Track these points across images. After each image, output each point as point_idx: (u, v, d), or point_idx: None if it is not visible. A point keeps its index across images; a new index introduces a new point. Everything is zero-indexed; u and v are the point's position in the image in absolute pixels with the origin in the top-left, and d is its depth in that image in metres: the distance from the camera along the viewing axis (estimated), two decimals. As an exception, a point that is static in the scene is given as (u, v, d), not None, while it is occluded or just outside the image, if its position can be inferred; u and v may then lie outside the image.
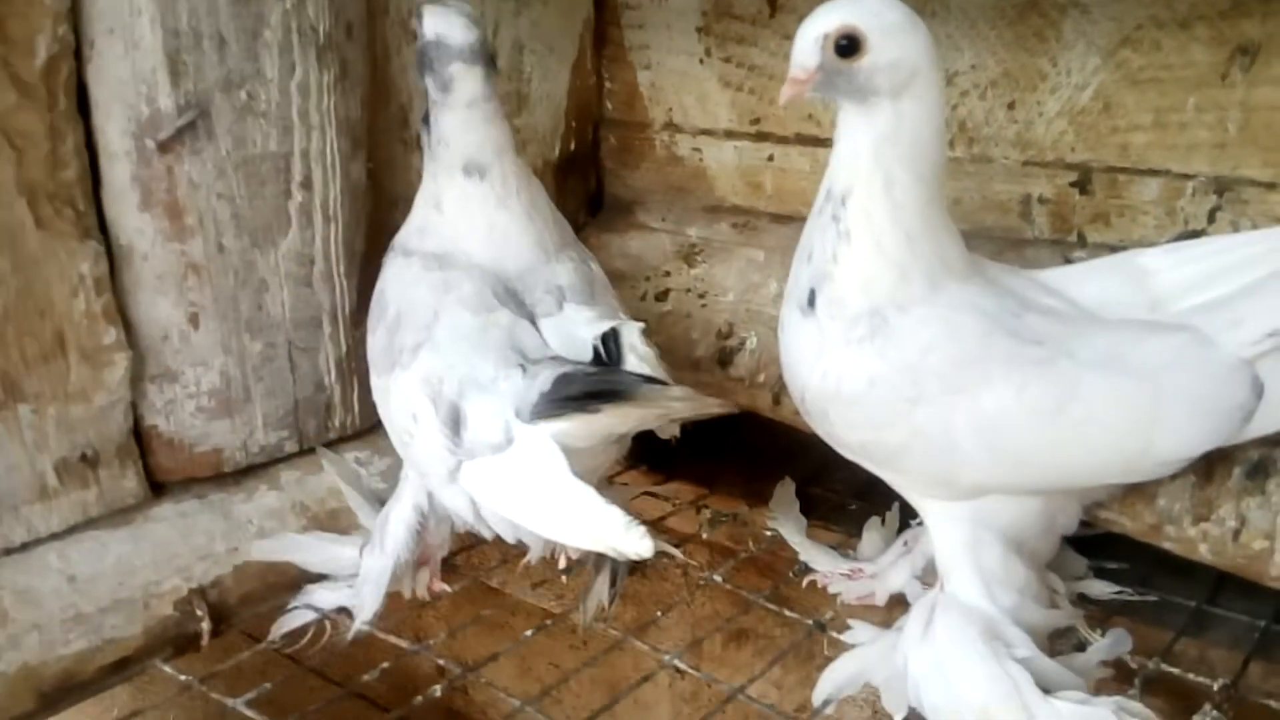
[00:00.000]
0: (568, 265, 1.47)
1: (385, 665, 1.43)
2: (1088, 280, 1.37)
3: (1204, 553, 1.36)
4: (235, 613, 1.55)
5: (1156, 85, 1.55)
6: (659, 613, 1.64)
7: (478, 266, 1.45)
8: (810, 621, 1.52)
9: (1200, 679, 1.35)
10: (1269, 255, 1.28)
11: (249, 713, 1.32)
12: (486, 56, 1.41)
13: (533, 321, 1.41)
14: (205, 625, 1.49)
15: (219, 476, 1.63)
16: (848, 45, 1.18)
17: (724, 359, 1.80)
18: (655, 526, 1.82)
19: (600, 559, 1.52)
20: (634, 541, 1.19)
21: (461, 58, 1.40)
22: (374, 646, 1.49)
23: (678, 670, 1.45)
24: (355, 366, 1.72)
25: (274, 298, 1.62)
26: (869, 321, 1.25)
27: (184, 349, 1.56)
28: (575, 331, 1.39)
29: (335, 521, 1.64)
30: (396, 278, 1.49)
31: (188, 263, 1.53)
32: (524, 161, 1.50)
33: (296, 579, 1.57)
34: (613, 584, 1.52)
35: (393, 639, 1.49)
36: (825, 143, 1.28)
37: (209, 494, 1.61)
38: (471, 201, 1.46)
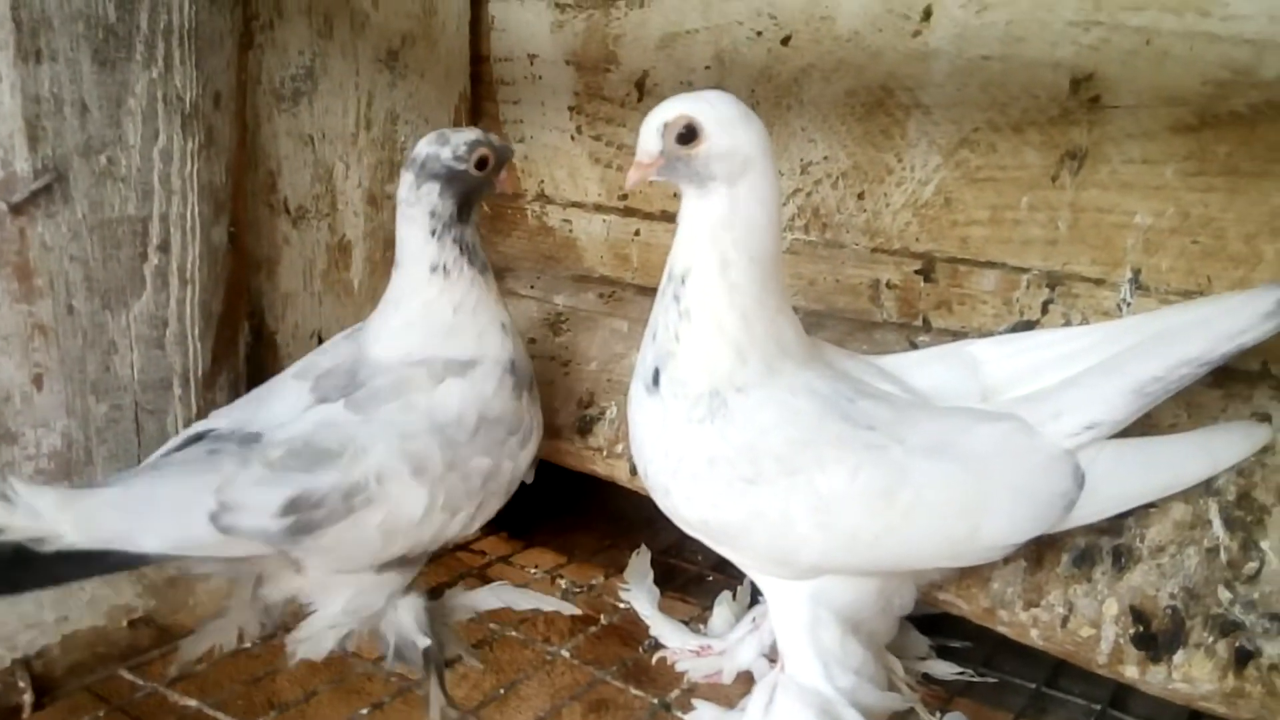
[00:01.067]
0: (399, 374, 1.48)
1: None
2: (923, 368, 1.40)
3: (1035, 638, 1.39)
4: (61, 684, 1.51)
5: (993, 184, 1.61)
6: (505, 690, 1.63)
7: (347, 351, 1.53)
8: (655, 700, 1.53)
9: (1036, 764, 1.37)
10: (1091, 350, 1.33)
11: (62, 790, 1.29)
12: (424, 171, 1.46)
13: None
14: (27, 698, 1.45)
15: (54, 540, 1.58)
16: (686, 134, 1.23)
17: (583, 428, 1.81)
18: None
19: (425, 663, 1.54)
20: None
21: (404, 165, 1.49)
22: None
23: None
24: (205, 431, 1.70)
25: (123, 359, 1.59)
26: (709, 403, 1.27)
27: (25, 410, 1.53)
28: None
29: (173, 589, 1.61)
30: None
31: (35, 324, 1.51)
32: (448, 281, 1.49)
33: (126, 650, 1.54)
34: (441, 684, 1.55)
35: (223, 716, 1.47)
36: (688, 221, 1.33)
37: (41, 560, 1.56)
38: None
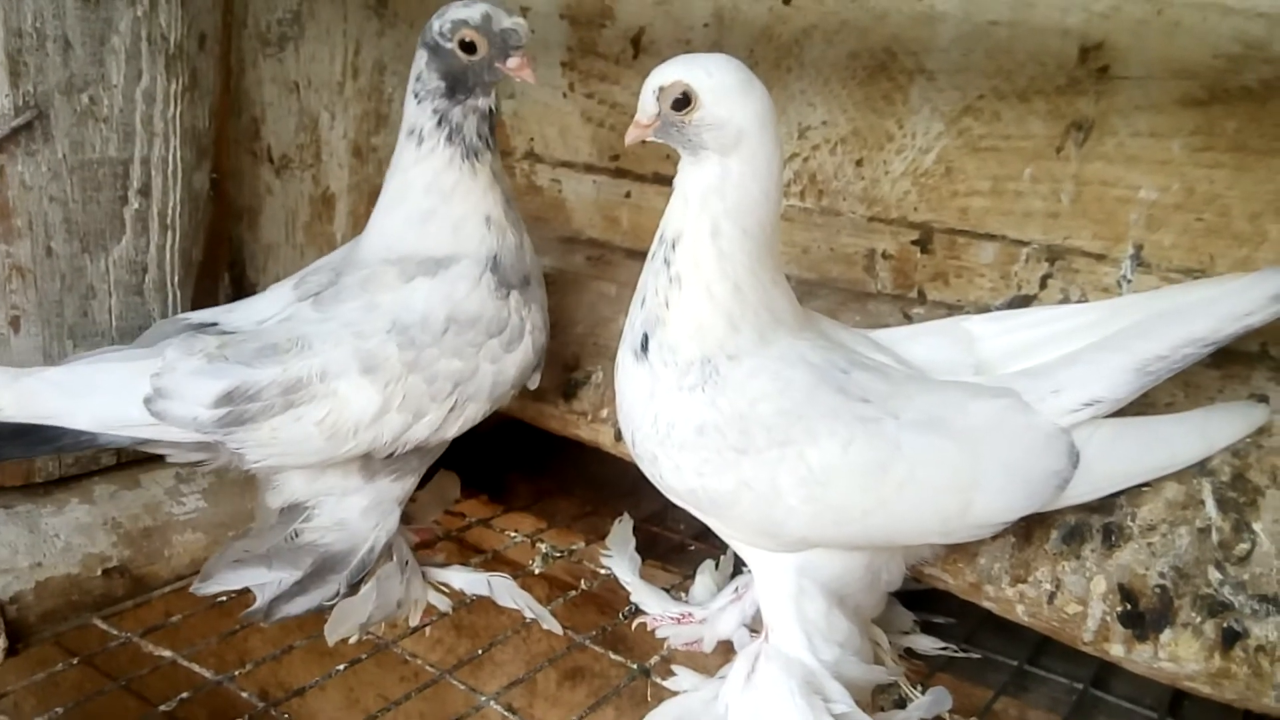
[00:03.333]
0: (370, 271, 1.48)
1: (185, 695, 1.39)
2: (917, 341, 1.39)
3: (1021, 614, 1.38)
4: (36, 630, 1.49)
5: (995, 154, 1.59)
6: (484, 650, 1.62)
7: (344, 250, 1.60)
8: (634, 666, 1.51)
9: (1016, 740, 1.36)
10: (1089, 328, 1.32)
11: (35, 735, 1.28)
12: (422, 36, 1.47)
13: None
14: (1, 643, 1.43)
15: (29, 486, 1.58)
16: (680, 100, 1.21)
17: (568, 391, 1.78)
18: (491, 559, 1.80)
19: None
20: None
21: None
22: (180, 670, 1.45)
23: (507, 712, 1.42)
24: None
25: (101, 305, 1.58)
26: (701, 370, 1.25)
27: (2, 352, 1.52)
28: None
29: (149, 540, 1.60)
30: None
31: (13, 265, 1.49)
32: (420, 151, 1.46)
33: (100, 599, 1.52)
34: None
35: (197, 667, 1.45)
36: (681, 184, 1.31)
37: (16, 505, 1.56)
38: None
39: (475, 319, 1.47)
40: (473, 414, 1.51)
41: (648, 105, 1.24)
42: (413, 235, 1.48)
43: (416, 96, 1.46)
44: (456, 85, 1.44)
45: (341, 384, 1.40)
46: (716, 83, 1.21)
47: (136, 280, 1.60)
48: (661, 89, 1.22)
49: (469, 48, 1.42)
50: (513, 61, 1.44)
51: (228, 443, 1.41)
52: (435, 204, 1.47)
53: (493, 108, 1.48)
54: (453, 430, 1.51)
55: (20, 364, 1.50)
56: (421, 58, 1.46)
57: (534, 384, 1.60)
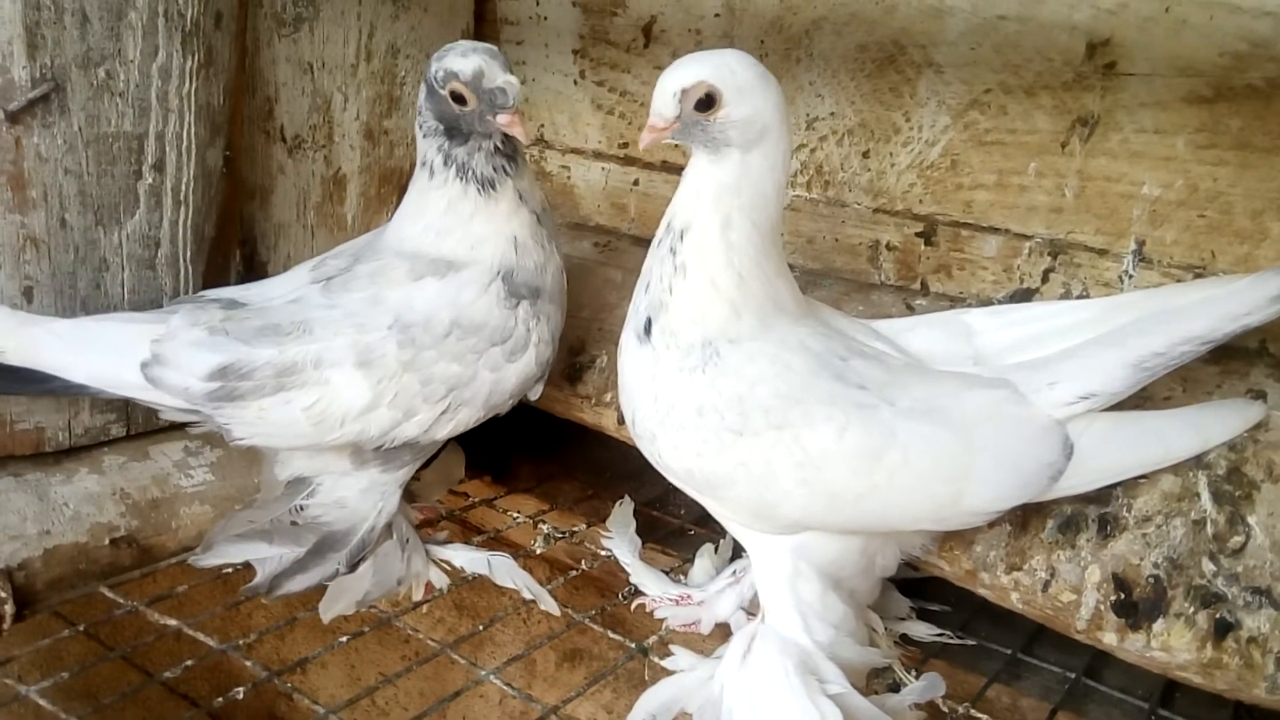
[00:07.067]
0: (382, 263, 1.50)
1: (189, 663, 1.39)
2: (916, 332, 1.40)
3: (1015, 601, 1.39)
4: (42, 597, 1.50)
5: (1000, 148, 1.60)
6: (485, 626, 1.62)
7: (367, 237, 1.62)
8: (633, 645, 1.52)
9: (1008, 727, 1.37)
10: (1088, 324, 1.33)
11: (40, 700, 1.28)
12: (423, 77, 1.45)
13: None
14: (8, 608, 1.44)
15: (39, 456, 1.58)
16: (705, 101, 1.21)
17: (573, 375, 1.80)
18: (493, 539, 1.82)
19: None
20: None
21: None
22: (185, 639, 1.46)
23: (506, 686, 1.43)
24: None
25: (114, 277, 1.58)
26: (701, 352, 1.27)
27: (15, 323, 1.51)
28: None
29: (157, 511, 1.61)
30: None
31: (27, 235, 1.49)
32: (433, 181, 1.47)
33: (107, 568, 1.53)
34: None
35: (202, 636, 1.46)
36: (689, 172, 1.31)
37: (26, 473, 1.56)
38: None
39: (480, 325, 1.46)
40: (465, 419, 1.51)
41: (665, 109, 1.23)
42: (430, 242, 1.48)
43: (421, 129, 1.46)
44: (452, 129, 1.43)
45: (335, 374, 1.41)
46: (741, 80, 1.22)
47: (149, 254, 1.61)
48: (684, 91, 1.21)
49: (459, 99, 1.39)
50: (503, 118, 1.38)
51: (215, 417, 1.43)
52: (453, 224, 1.47)
53: (502, 139, 1.45)
54: (443, 432, 1.51)
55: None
56: (422, 92, 1.45)
57: (535, 395, 1.60)
